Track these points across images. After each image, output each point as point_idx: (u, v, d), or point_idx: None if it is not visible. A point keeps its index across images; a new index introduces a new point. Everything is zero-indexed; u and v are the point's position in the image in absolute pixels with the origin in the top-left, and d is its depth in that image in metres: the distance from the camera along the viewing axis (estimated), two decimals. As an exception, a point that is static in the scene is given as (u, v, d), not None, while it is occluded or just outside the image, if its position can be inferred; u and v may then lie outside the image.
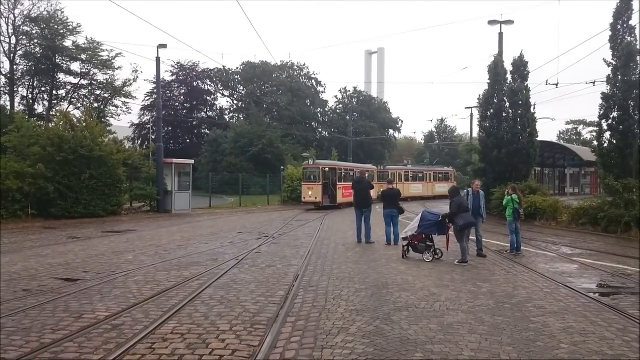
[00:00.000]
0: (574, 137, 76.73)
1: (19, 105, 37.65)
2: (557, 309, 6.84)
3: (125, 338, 5.51)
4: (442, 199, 42.16)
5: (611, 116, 18.23)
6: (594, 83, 23.11)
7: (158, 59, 27.40)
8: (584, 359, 4.92)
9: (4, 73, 36.69)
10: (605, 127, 18.52)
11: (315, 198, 29.37)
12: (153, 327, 5.87)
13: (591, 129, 55.34)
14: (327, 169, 30.92)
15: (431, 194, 45.20)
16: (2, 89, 37.33)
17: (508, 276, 9.30)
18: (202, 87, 64.14)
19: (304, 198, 30.06)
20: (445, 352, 5.02)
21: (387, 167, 44.19)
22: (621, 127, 17.91)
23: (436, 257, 10.96)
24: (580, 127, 74.88)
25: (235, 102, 70.86)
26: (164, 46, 26.96)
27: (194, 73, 62.11)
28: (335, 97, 76.38)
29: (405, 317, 6.29)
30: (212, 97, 66.47)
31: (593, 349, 5.19)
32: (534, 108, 24.71)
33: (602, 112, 18.43)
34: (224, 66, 62.73)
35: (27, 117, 27.58)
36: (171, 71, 60.21)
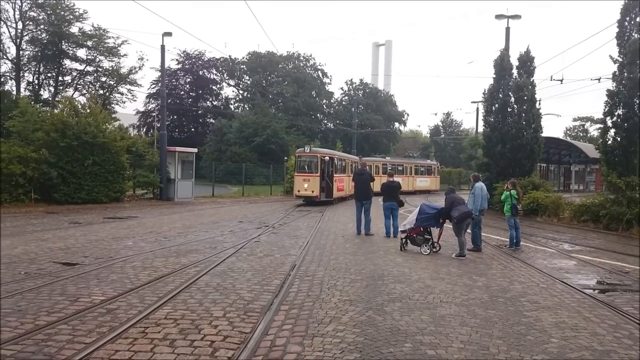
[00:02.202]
0: (581, 134, 76.42)
1: (25, 91, 37.74)
2: (550, 304, 6.85)
3: (118, 322, 5.56)
4: (424, 194, 41.38)
5: (616, 113, 18.12)
6: (599, 79, 22.98)
7: (163, 47, 27.36)
8: (573, 353, 4.93)
9: (10, 58, 36.81)
10: (609, 124, 18.42)
11: (312, 191, 25.60)
12: (147, 312, 5.92)
13: (598, 125, 55.06)
14: (326, 157, 27.04)
15: (411, 188, 42.15)
16: (8, 74, 37.48)
17: (505, 271, 9.30)
18: (208, 76, 64.06)
19: (298, 191, 26.19)
20: (435, 343, 5.04)
21: (364, 159, 38.91)
22: (626, 124, 17.81)
23: (434, 250, 10.98)
24: (587, 124, 74.61)
25: (241, 91, 70.79)
26: (169, 34, 26.95)
27: (200, 62, 62.02)
28: (341, 88, 76.21)
29: (398, 308, 6.32)
30: (218, 86, 66.49)
31: (583, 344, 5.20)
32: (539, 104, 24.64)
33: (606, 109, 18.32)
34: (229, 55, 62.62)
35: (32, 103, 27.66)
36: (177, 59, 60.22)
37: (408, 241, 11.27)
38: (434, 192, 44.70)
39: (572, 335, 5.48)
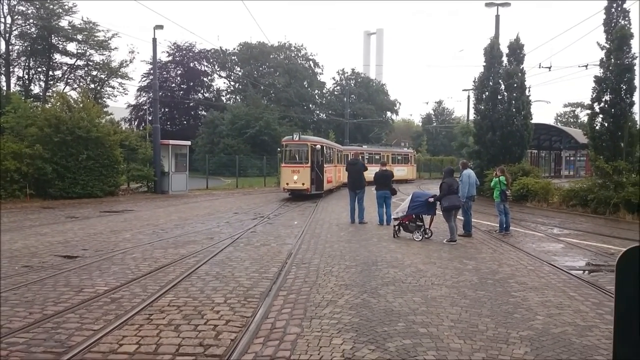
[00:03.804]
0: (572, 120, 76.98)
1: (15, 86, 37.60)
2: (537, 285, 7.15)
3: (124, 310, 5.79)
4: (400, 184, 40.32)
5: (603, 99, 18.45)
6: (586, 66, 23.33)
7: (154, 40, 27.36)
8: (557, 329, 5.22)
9: (-1, 53, 36.60)
10: (597, 109, 18.74)
11: (303, 184, 23.04)
12: (150, 300, 6.15)
13: (588, 111, 55.43)
14: (317, 146, 24.58)
15: None
16: (-2, 69, 37.26)
17: (494, 254, 9.61)
18: (199, 68, 63.83)
19: (287, 184, 23.45)
20: (427, 322, 5.32)
21: (341, 147, 36.31)
22: (613, 110, 18.14)
23: (426, 236, 11.26)
24: (578, 109, 75.10)
25: (232, 83, 70.62)
26: (160, 27, 26.90)
27: (191, 54, 61.76)
28: (333, 78, 76.24)
29: (391, 291, 6.59)
30: (209, 78, 66.25)
31: (567, 321, 5.50)
32: (529, 91, 24.96)
33: (594, 95, 18.65)
34: (220, 47, 62.42)
35: (23, 98, 27.60)
36: (167, 52, 59.93)
37: (401, 228, 11.56)
38: (411, 182, 42.73)
39: (556, 313, 5.78)
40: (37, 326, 5.24)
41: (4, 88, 35.19)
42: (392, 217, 12.42)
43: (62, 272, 7.72)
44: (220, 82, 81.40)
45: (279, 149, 38.28)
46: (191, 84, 63.15)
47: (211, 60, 65.08)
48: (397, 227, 11.62)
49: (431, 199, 11.37)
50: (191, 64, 62.35)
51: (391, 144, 49.42)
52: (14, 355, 4.47)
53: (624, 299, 1.26)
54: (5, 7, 35.09)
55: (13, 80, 37.82)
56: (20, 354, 4.52)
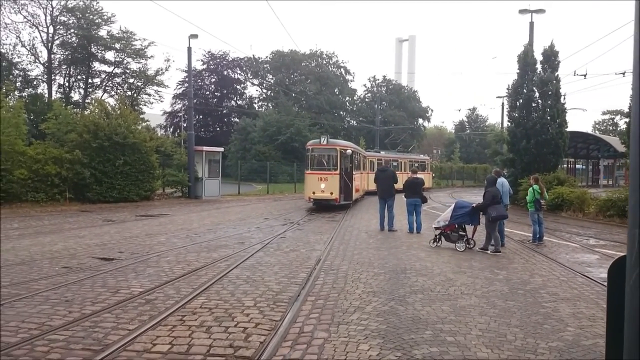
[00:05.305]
0: (611, 128, 74.81)
1: (56, 93, 38.98)
2: (569, 296, 7.04)
3: (157, 311, 5.98)
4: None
5: (642, 107, 17.93)
6: (623, 74, 22.66)
7: (189, 49, 28.01)
8: (587, 341, 5.15)
9: (42, 62, 38.05)
10: (635, 117, 18.24)
11: (331, 193, 20.69)
12: (183, 302, 6.34)
13: (627, 119, 53.74)
14: (347, 151, 22.30)
15: None
16: (40, 77, 38.74)
17: (526, 265, 9.47)
18: (232, 75, 64.86)
19: (313, 193, 21.04)
20: (454, 331, 5.31)
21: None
22: (652, 118, 17.61)
23: (468, 246, 11.07)
24: (617, 117, 72.94)
25: (265, 90, 71.45)
26: (195, 36, 27.57)
27: (224, 62, 62.84)
28: (364, 85, 76.29)
29: (419, 299, 6.60)
30: (242, 85, 67.23)
31: (598, 333, 5.40)
32: (564, 98, 24.47)
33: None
34: (253, 55, 63.33)
35: (64, 105, 28.63)
36: (202, 60, 61.14)
37: (442, 237, 11.43)
38: (426, 190, 41.15)
39: (588, 325, 5.68)
40: (76, 324, 5.47)
41: (46, 95, 36.60)
42: (434, 226, 11.99)
43: (100, 274, 8.00)
44: (252, 90, 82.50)
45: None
46: (224, 91, 64.21)
47: (244, 68, 66.07)
48: (438, 237, 11.49)
49: (474, 205, 11.25)
50: (225, 72, 63.42)
51: (407, 150, 48.51)
52: (54, 352, 4.69)
53: (614, 304, 1.33)
54: (48, 17, 36.54)
55: (54, 87, 39.27)
56: (60, 350, 4.73)
